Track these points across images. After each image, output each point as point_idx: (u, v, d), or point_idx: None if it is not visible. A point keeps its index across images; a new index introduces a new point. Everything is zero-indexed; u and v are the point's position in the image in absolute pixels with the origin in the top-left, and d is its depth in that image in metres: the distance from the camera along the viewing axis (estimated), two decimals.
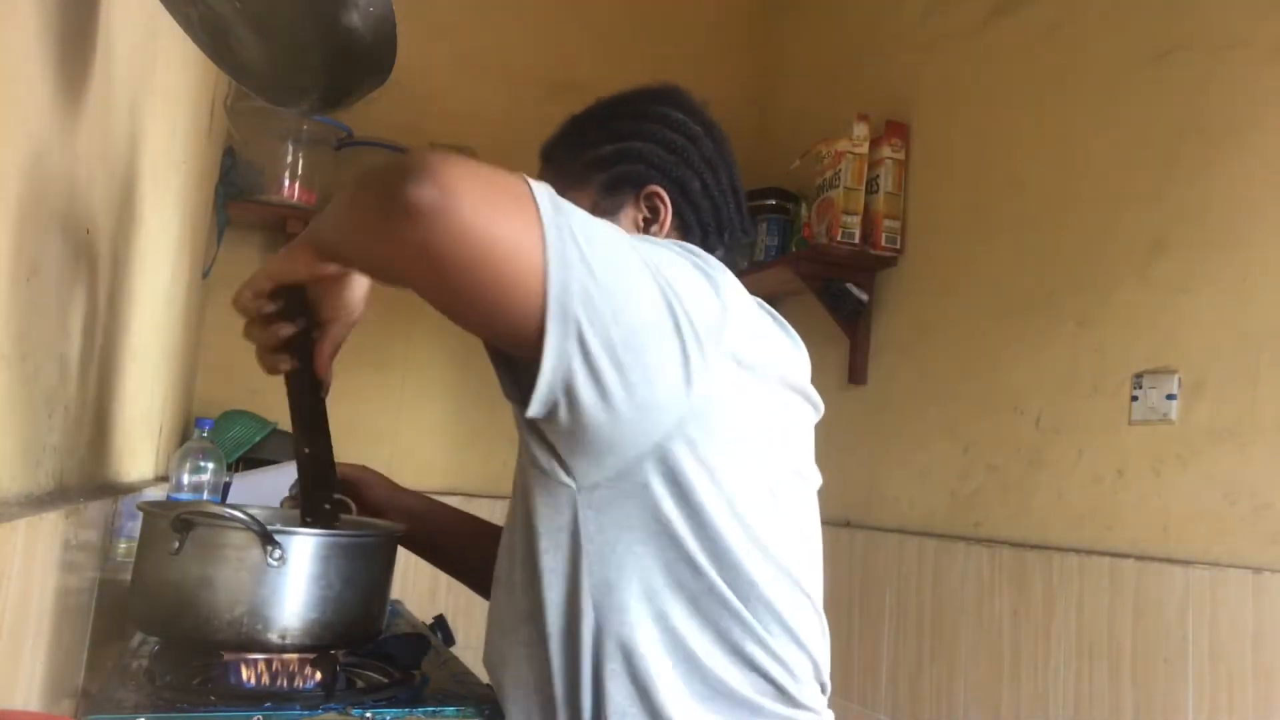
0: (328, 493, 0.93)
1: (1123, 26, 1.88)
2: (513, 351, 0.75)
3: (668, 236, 0.97)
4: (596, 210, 0.96)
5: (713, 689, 0.80)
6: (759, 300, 0.88)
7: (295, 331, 0.83)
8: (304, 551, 0.87)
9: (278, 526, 0.86)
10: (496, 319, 0.69)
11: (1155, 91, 1.78)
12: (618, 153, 0.97)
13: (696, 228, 0.99)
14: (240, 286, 0.82)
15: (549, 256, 0.66)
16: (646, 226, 0.97)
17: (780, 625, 0.83)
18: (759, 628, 0.81)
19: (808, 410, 0.91)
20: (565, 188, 0.99)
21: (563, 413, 0.72)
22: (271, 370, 0.86)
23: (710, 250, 1.00)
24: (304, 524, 0.92)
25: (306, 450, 0.91)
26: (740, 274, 0.87)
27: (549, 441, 0.78)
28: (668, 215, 0.97)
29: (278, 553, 0.84)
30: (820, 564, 0.91)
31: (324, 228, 0.79)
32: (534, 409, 0.71)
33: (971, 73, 2.27)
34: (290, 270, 0.80)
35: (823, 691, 0.89)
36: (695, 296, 0.75)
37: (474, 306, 0.68)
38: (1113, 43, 1.89)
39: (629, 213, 0.98)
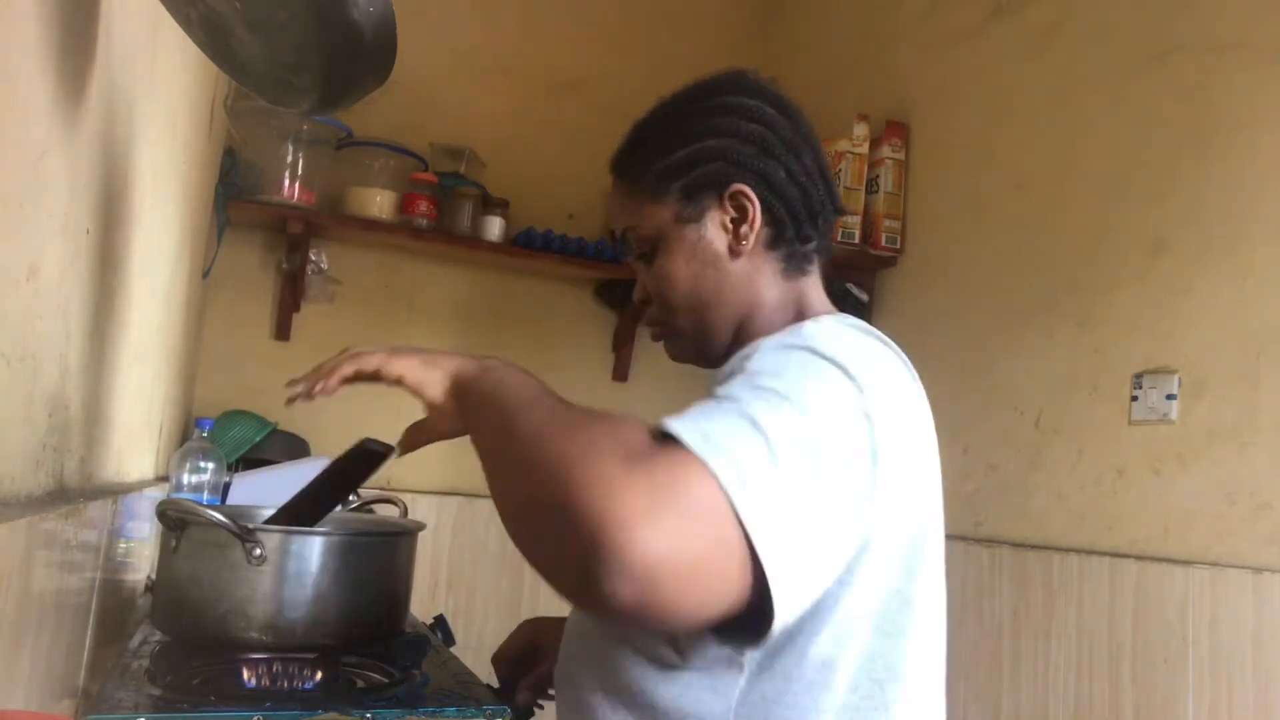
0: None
1: (1123, 26, 1.88)
2: None
3: (759, 233, 0.90)
4: (679, 219, 0.89)
5: None
6: (896, 350, 0.83)
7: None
8: (286, 551, 0.87)
9: (259, 525, 0.86)
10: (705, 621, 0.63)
11: (1155, 91, 1.78)
12: (691, 156, 0.89)
13: (788, 220, 0.90)
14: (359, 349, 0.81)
15: (771, 577, 0.60)
16: (736, 227, 0.89)
17: None
18: None
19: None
20: (641, 203, 0.91)
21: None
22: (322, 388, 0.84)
23: (805, 240, 0.91)
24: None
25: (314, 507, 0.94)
26: None
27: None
28: (756, 212, 0.89)
29: (258, 551, 0.84)
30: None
31: (481, 409, 0.75)
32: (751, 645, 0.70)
33: (971, 73, 2.27)
34: (423, 386, 0.79)
35: None
36: (856, 475, 0.69)
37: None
38: (1112, 43, 1.89)
39: (715, 216, 0.90)
